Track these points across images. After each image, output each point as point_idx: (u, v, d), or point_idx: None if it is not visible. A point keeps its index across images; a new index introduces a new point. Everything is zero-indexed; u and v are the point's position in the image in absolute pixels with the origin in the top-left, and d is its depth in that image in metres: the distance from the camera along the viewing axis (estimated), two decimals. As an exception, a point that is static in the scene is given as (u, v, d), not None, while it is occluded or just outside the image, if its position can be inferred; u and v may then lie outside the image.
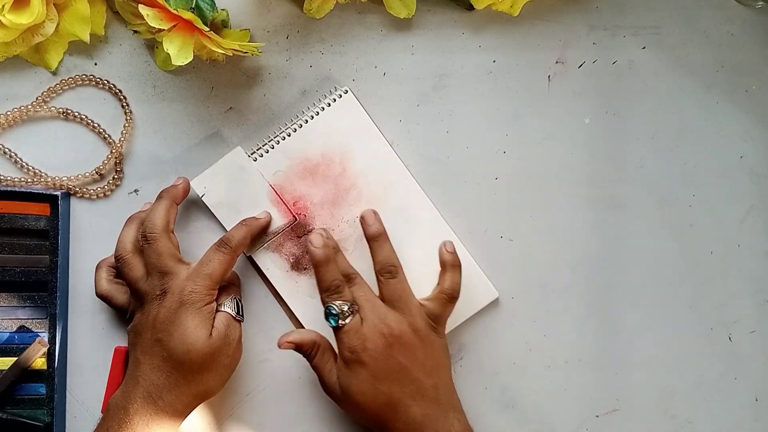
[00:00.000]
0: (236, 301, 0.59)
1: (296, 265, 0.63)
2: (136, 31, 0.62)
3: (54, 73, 0.63)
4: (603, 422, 0.64)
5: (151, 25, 0.55)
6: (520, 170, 0.64)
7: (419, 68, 0.64)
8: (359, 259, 0.63)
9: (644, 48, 0.65)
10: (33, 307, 0.62)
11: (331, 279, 0.58)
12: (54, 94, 0.63)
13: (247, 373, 0.64)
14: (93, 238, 0.63)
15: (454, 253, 0.61)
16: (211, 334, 0.56)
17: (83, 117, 0.63)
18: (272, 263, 0.63)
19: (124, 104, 0.63)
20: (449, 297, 0.60)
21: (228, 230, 0.61)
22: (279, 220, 0.63)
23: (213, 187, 0.62)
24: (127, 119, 0.63)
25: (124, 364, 0.62)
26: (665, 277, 0.65)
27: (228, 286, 0.61)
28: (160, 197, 0.60)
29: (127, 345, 0.59)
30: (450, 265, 0.60)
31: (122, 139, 0.63)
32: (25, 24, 0.58)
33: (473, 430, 0.57)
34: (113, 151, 0.63)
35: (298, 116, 0.63)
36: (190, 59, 0.56)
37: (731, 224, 0.65)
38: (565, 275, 0.64)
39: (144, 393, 0.55)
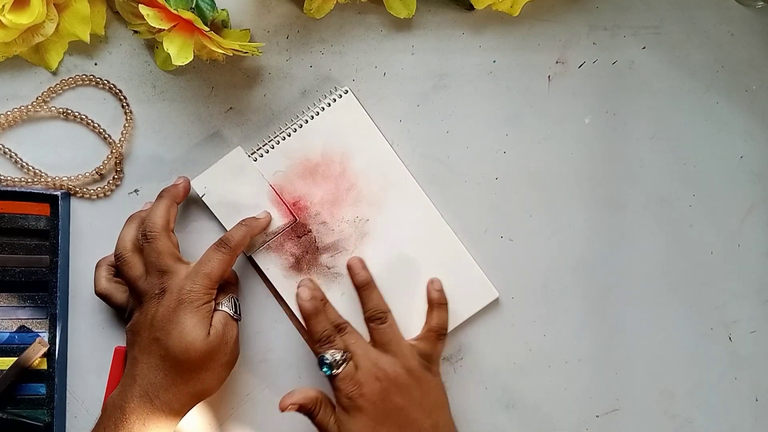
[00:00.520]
0: (234, 300, 0.59)
1: (296, 265, 0.63)
2: (136, 31, 0.62)
3: (54, 73, 0.63)
4: (603, 422, 0.64)
5: (152, 25, 0.55)
6: (520, 170, 0.64)
7: (419, 68, 0.64)
8: (359, 259, 0.63)
9: (644, 48, 0.65)
10: (33, 307, 0.62)
11: (321, 329, 0.58)
12: (54, 94, 0.63)
13: (247, 373, 0.64)
14: (93, 238, 0.63)
15: (441, 291, 0.62)
16: (209, 333, 0.56)
17: (83, 117, 0.63)
18: (272, 263, 0.63)
19: (124, 104, 0.63)
20: (438, 335, 0.61)
21: (228, 230, 0.61)
22: (279, 220, 0.63)
23: (213, 186, 0.62)
24: (127, 119, 0.63)
25: (124, 364, 0.61)
26: (665, 277, 0.65)
27: (226, 285, 0.61)
28: (160, 196, 0.60)
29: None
30: (437, 303, 0.62)
31: (122, 139, 0.63)
32: (25, 24, 0.58)
33: None
34: (113, 151, 0.63)
35: (298, 116, 0.63)
36: (191, 59, 0.56)
37: (731, 224, 0.65)
38: (565, 275, 0.64)
39: (141, 392, 0.55)
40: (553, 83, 0.64)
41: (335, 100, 0.63)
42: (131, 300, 0.59)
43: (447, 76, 0.64)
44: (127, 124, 0.63)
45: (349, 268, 0.62)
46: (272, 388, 0.64)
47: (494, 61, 0.64)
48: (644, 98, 0.65)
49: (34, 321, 0.62)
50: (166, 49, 0.56)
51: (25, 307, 0.62)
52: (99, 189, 0.63)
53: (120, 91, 0.63)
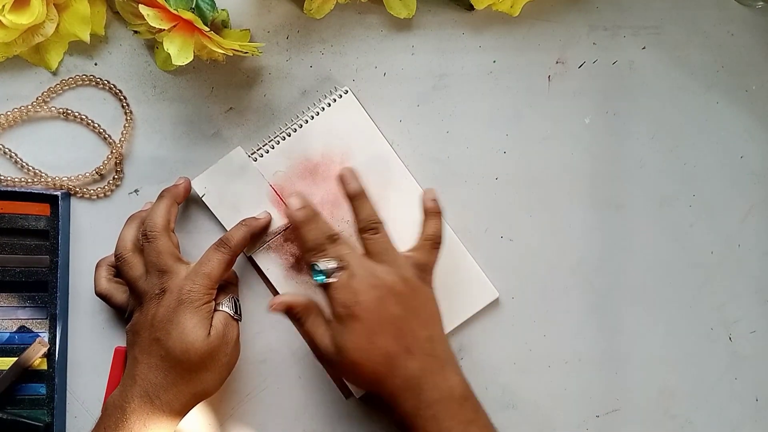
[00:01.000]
0: (234, 300, 0.59)
1: (296, 265, 0.63)
2: (136, 32, 0.62)
3: (54, 73, 0.63)
4: (603, 422, 0.64)
5: (152, 25, 0.55)
6: (520, 170, 0.64)
7: (419, 68, 0.64)
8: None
9: (644, 48, 0.65)
10: (33, 307, 0.62)
11: (314, 238, 0.57)
12: (54, 94, 0.63)
13: (247, 373, 0.64)
14: (93, 238, 0.63)
15: (435, 200, 0.61)
16: (209, 333, 0.56)
17: (83, 117, 0.63)
18: (272, 263, 0.63)
19: (124, 104, 0.63)
20: (434, 243, 0.60)
21: (228, 230, 0.61)
22: (279, 220, 0.63)
23: (213, 187, 0.62)
24: (127, 119, 0.63)
25: (124, 364, 0.61)
26: (665, 277, 0.65)
27: (226, 285, 0.61)
28: (161, 196, 0.60)
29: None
30: (432, 212, 0.61)
31: (122, 139, 0.63)
32: (26, 24, 0.58)
33: (469, 383, 0.57)
34: (113, 151, 0.63)
35: (298, 116, 0.63)
36: (191, 59, 0.56)
37: (731, 224, 0.65)
38: (565, 275, 0.64)
39: (141, 392, 0.55)
40: (553, 83, 0.64)
41: (335, 101, 0.63)
42: (131, 300, 0.59)
43: (447, 76, 0.64)
44: (127, 124, 0.63)
45: (341, 178, 0.60)
46: (272, 389, 0.64)
47: (494, 61, 0.64)
48: (644, 98, 0.65)
49: (34, 321, 0.62)
50: (166, 49, 0.56)
51: (25, 307, 0.62)
52: (99, 189, 0.63)
53: (120, 91, 0.63)
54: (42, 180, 0.63)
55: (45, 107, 0.63)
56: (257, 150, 0.63)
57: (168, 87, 0.63)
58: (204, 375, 0.56)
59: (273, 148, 0.63)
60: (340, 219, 0.63)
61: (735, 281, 0.65)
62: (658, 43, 0.65)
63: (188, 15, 0.56)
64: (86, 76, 0.63)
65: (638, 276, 0.64)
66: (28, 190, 0.62)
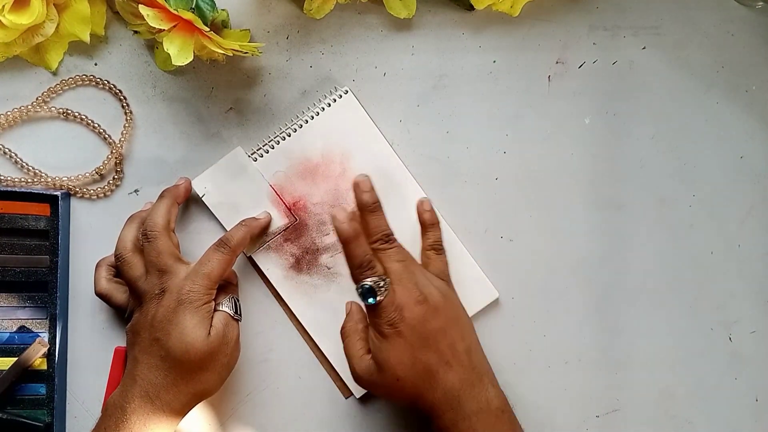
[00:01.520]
0: (234, 300, 0.59)
1: (296, 265, 0.63)
2: (136, 32, 0.62)
3: (54, 74, 0.63)
4: (603, 422, 0.64)
5: (152, 25, 0.55)
6: (520, 170, 0.64)
7: (419, 68, 0.64)
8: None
9: (644, 48, 0.65)
10: (33, 307, 0.62)
11: (362, 254, 0.56)
12: (54, 94, 0.63)
13: (247, 373, 0.64)
14: (93, 238, 0.63)
15: (432, 211, 0.62)
16: (209, 333, 0.56)
17: (83, 117, 0.63)
18: (272, 263, 0.63)
19: (124, 104, 0.63)
20: (437, 251, 0.61)
21: (228, 230, 0.61)
22: (279, 220, 0.63)
23: (213, 187, 0.62)
24: (127, 119, 0.63)
25: (124, 364, 0.62)
26: (665, 277, 0.65)
27: (226, 285, 0.61)
28: (161, 196, 0.60)
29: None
30: (430, 223, 0.61)
31: (122, 139, 0.63)
32: (25, 24, 0.58)
33: (505, 395, 0.57)
34: (113, 151, 0.63)
35: (298, 116, 0.63)
36: (191, 59, 0.56)
37: (731, 224, 0.65)
38: (565, 275, 0.64)
39: (141, 392, 0.55)
40: (553, 83, 0.64)
41: (335, 101, 0.63)
42: (131, 300, 0.59)
43: (447, 76, 0.64)
44: (127, 125, 0.63)
45: (356, 186, 0.58)
46: (272, 389, 0.64)
47: (494, 61, 0.64)
48: (644, 98, 0.64)
49: (34, 321, 0.62)
50: (166, 50, 0.56)
51: (25, 307, 0.62)
52: (99, 189, 0.63)
53: (120, 91, 0.63)
54: (42, 180, 0.63)
55: (45, 107, 0.63)
56: (257, 150, 0.63)
57: (168, 87, 0.63)
58: (204, 375, 0.56)
59: (273, 148, 0.63)
60: (340, 219, 0.63)
61: (735, 281, 0.65)
62: (658, 43, 0.65)
63: (188, 15, 0.56)
64: (86, 76, 0.63)
65: (638, 276, 0.64)
66: (28, 190, 0.62)
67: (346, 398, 0.64)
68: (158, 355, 0.55)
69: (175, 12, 0.55)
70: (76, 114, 0.63)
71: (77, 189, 0.63)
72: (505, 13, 0.63)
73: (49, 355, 0.62)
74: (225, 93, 0.64)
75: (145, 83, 0.63)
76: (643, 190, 0.65)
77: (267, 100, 0.64)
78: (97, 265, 0.61)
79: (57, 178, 0.63)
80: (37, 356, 0.61)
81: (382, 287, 0.55)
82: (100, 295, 0.60)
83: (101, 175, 0.63)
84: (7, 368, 0.61)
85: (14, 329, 0.62)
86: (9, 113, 0.63)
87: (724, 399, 0.65)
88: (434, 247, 0.61)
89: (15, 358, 0.61)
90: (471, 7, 0.63)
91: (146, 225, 0.58)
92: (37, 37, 0.60)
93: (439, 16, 0.64)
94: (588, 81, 0.64)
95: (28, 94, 0.63)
